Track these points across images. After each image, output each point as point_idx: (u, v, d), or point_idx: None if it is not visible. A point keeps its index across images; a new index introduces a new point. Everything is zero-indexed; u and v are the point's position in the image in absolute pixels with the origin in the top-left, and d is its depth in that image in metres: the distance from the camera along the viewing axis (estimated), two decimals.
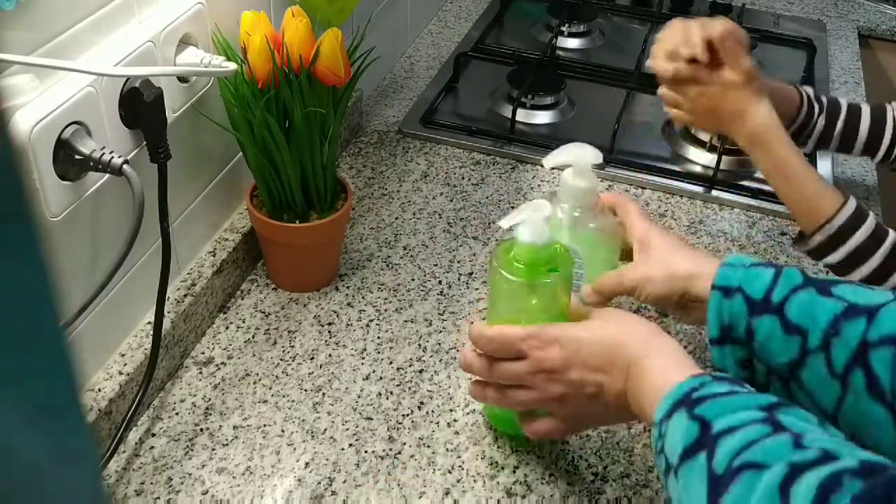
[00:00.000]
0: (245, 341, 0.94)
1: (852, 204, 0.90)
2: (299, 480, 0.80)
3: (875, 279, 0.90)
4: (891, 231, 0.91)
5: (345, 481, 0.80)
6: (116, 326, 0.84)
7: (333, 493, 0.79)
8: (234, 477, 0.80)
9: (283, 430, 0.84)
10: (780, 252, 1.09)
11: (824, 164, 1.24)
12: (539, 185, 1.18)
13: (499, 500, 0.79)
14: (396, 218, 1.11)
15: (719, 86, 0.92)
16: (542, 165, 0.86)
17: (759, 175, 1.23)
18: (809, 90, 1.05)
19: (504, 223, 0.74)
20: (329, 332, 0.95)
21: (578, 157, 0.82)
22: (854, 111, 1.06)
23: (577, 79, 1.40)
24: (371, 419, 0.86)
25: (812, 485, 0.47)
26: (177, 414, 0.85)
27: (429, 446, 0.83)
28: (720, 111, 0.94)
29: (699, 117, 0.98)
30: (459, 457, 0.83)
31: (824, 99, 1.06)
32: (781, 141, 0.91)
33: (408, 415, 0.86)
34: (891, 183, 1.34)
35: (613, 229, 0.86)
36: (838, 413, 0.65)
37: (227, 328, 0.95)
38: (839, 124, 1.05)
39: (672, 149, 1.27)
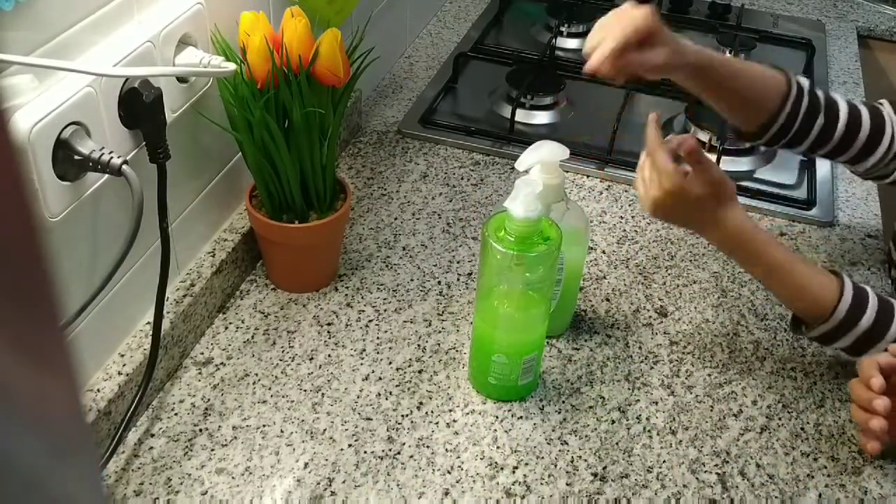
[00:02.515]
0: (244, 342, 0.93)
1: (849, 285, 0.86)
2: (298, 481, 0.80)
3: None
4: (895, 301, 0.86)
5: (344, 482, 0.80)
6: (115, 327, 0.84)
7: (333, 493, 0.79)
8: (233, 477, 0.80)
9: (282, 431, 0.84)
10: None
11: (823, 168, 1.24)
12: None
13: (498, 501, 0.79)
14: (396, 218, 1.11)
15: (690, 200, 0.85)
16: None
17: (759, 175, 1.23)
18: (804, 82, 0.98)
19: (507, 203, 0.78)
20: (328, 332, 0.95)
21: (546, 154, 0.84)
22: (854, 120, 0.98)
23: (577, 79, 1.39)
24: (370, 419, 0.86)
25: None
26: (176, 414, 0.85)
27: (428, 447, 0.83)
28: (692, 220, 0.89)
29: (672, 221, 0.92)
30: (459, 457, 0.83)
31: (820, 94, 0.98)
32: (760, 242, 0.87)
33: (407, 415, 0.86)
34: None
35: (584, 222, 0.90)
36: None
37: (226, 328, 0.95)
38: (841, 123, 0.97)
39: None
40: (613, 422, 0.87)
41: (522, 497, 0.80)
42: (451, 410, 0.87)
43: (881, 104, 1.01)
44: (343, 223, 1.00)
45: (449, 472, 0.81)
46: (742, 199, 1.15)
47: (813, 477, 0.83)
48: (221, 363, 0.91)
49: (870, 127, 0.98)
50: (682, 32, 1.61)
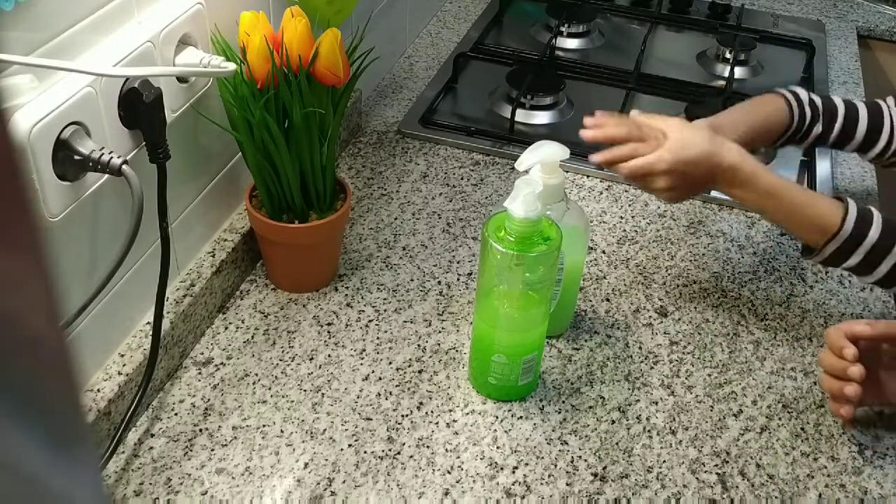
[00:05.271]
0: (244, 342, 0.93)
1: (853, 207, 0.89)
2: (298, 481, 0.80)
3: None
4: None
5: (344, 482, 0.80)
6: (115, 327, 0.84)
7: (333, 493, 0.79)
8: (233, 477, 0.80)
9: (282, 431, 0.84)
10: (779, 252, 1.09)
11: (823, 165, 1.24)
12: None
13: (498, 501, 0.79)
14: (396, 218, 1.11)
15: (685, 166, 0.89)
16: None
17: None
18: (801, 94, 1.04)
19: (507, 203, 0.78)
20: (328, 332, 0.95)
21: (546, 154, 0.84)
22: (851, 111, 1.05)
23: (577, 79, 1.40)
24: (370, 419, 0.86)
25: None
26: (176, 414, 0.85)
27: (428, 447, 0.83)
28: (694, 182, 0.91)
29: (680, 198, 0.95)
30: (459, 457, 0.83)
31: (818, 102, 1.05)
32: (759, 171, 0.90)
33: (407, 415, 0.86)
34: (890, 183, 1.34)
35: (584, 222, 0.91)
36: None
37: (226, 328, 0.95)
38: (837, 127, 1.04)
39: None
40: (613, 422, 0.87)
41: (522, 497, 0.80)
42: (451, 410, 0.87)
43: (885, 101, 1.06)
44: (343, 223, 1.00)
45: (449, 472, 0.81)
46: None
47: (813, 477, 0.83)
48: (221, 363, 0.91)
49: (866, 126, 1.05)
50: (682, 32, 1.61)
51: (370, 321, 0.96)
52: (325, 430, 0.84)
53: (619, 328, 0.98)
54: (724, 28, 1.57)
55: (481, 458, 0.83)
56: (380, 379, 0.90)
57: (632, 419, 0.87)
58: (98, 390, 0.80)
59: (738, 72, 1.44)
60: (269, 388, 0.88)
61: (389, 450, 0.83)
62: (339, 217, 0.96)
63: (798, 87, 1.05)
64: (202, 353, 0.92)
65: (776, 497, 0.81)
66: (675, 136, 0.90)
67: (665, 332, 0.97)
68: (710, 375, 0.93)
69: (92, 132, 0.71)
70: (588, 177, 1.21)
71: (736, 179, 0.90)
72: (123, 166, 0.71)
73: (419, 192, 1.16)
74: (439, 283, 1.02)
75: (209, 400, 0.87)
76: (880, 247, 0.88)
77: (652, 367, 0.93)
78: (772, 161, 1.24)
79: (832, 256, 0.90)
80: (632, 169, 0.90)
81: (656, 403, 0.89)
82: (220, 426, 0.84)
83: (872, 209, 0.90)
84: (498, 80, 1.37)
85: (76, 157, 0.70)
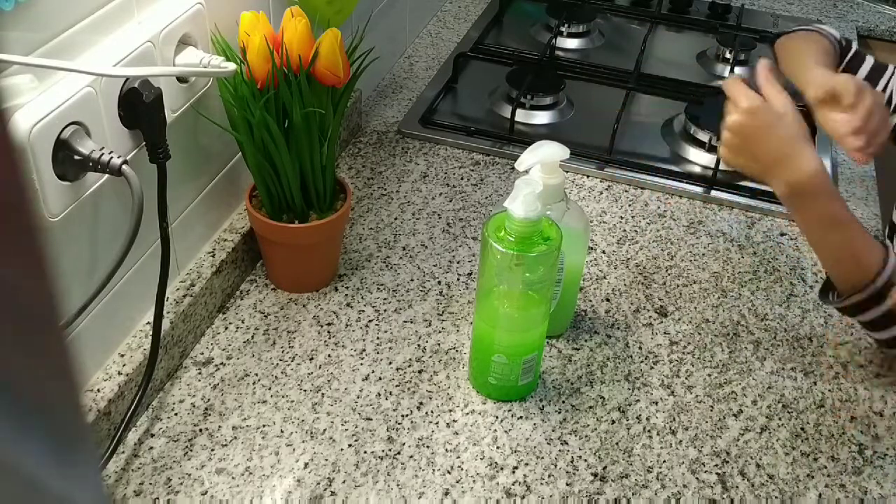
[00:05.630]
0: (244, 342, 0.93)
1: (892, 257, 0.83)
2: (298, 481, 0.80)
3: None
4: None
5: (344, 482, 0.80)
6: (115, 327, 0.84)
7: (333, 493, 0.79)
8: (233, 477, 0.80)
9: (282, 431, 0.84)
10: (779, 252, 1.09)
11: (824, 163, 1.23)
12: None
13: (498, 501, 0.79)
14: (396, 218, 1.11)
15: (769, 120, 0.84)
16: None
17: None
18: (837, 36, 1.05)
19: (507, 203, 0.78)
20: (328, 332, 0.95)
21: (546, 154, 0.84)
22: (854, 62, 1.06)
23: (577, 79, 1.40)
24: (370, 419, 0.86)
25: None
26: (176, 414, 0.85)
27: (428, 447, 0.83)
28: (770, 151, 0.84)
29: (735, 152, 0.88)
30: (459, 457, 0.83)
31: (843, 45, 1.07)
32: (831, 194, 0.84)
33: (407, 415, 0.86)
34: (889, 180, 1.34)
35: (584, 223, 0.91)
36: None
37: (226, 328, 0.95)
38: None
39: (671, 149, 1.27)
40: (613, 422, 0.87)
41: (522, 497, 0.80)
42: (451, 410, 0.87)
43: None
44: (343, 223, 1.00)
45: (449, 472, 0.81)
46: (742, 199, 1.17)
47: (813, 477, 0.83)
48: (221, 363, 0.91)
49: (865, 76, 1.04)
50: (682, 32, 1.61)
51: (370, 321, 0.96)
52: (325, 430, 0.84)
53: (619, 328, 0.98)
54: (724, 28, 1.57)
55: (481, 458, 0.83)
56: (380, 379, 0.90)
57: (632, 419, 0.87)
58: (98, 390, 0.80)
59: (738, 72, 1.44)
60: (269, 388, 0.88)
61: (389, 450, 0.83)
62: (339, 217, 0.96)
63: (826, 27, 1.07)
64: (202, 353, 0.92)
65: (776, 497, 0.81)
66: (781, 100, 0.84)
67: (665, 332, 0.97)
68: (710, 375, 0.93)
69: (92, 132, 0.71)
70: (588, 177, 1.21)
71: (806, 187, 0.83)
72: (123, 166, 0.71)
73: (419, 192, 1.16)
74: (439, 283, 1.02)
75: (209, 400, 0.87)
76: (894, 313, 0.83)
77: (652, 367, 0.93)
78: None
79: (851, 307, 0.86)
80: (730, 81, 0.88)
81: (656, 403, 0.89)
82: (220, 426, 0.84)
83: None
84: (498, 80, 1.37)
85: (76, 157, 0.70)
